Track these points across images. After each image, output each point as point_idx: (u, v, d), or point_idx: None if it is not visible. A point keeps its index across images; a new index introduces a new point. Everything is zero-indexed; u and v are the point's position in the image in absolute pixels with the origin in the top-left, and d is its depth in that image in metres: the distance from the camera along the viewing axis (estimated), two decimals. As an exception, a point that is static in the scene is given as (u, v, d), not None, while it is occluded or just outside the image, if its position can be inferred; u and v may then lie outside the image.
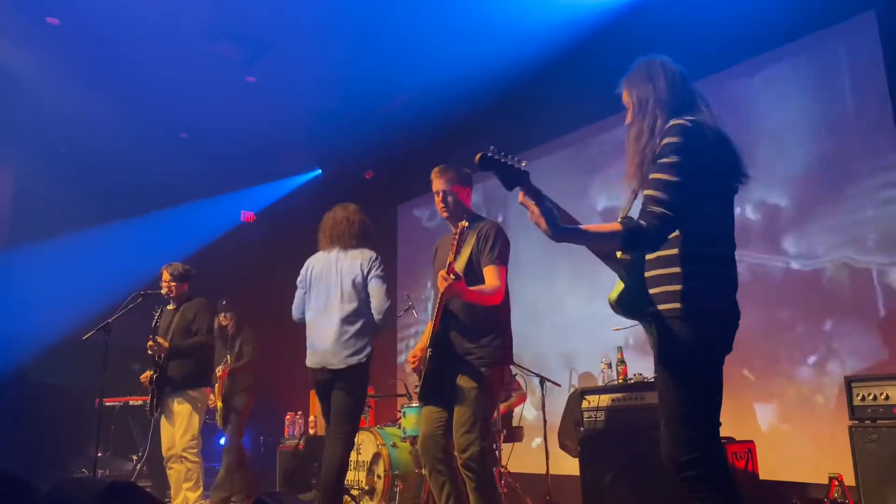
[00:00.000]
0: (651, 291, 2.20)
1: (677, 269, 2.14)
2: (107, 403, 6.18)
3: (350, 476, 5.23)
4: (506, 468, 5.03)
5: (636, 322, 2.28)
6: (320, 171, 8.48)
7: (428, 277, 3.20)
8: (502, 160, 2.04)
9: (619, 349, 4.65)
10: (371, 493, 5.12)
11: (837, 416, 3.97)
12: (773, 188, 4.81)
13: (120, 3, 5.27)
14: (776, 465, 4.43)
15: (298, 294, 4.09)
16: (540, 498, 5.04)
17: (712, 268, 2.16)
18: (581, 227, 2.10)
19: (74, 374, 6.64)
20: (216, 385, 5.79)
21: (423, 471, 3.45)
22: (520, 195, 2.06)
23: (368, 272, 3.85)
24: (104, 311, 5.20)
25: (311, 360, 3.89)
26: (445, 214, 3.42)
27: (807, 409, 4.48)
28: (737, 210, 2.30)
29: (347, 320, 3.80)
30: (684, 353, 2.11)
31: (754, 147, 4.85)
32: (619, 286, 2.25)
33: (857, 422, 3.51)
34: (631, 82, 2.35)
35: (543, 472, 5.01)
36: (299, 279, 4.09)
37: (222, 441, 6.89)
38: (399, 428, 5.22)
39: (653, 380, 4.16)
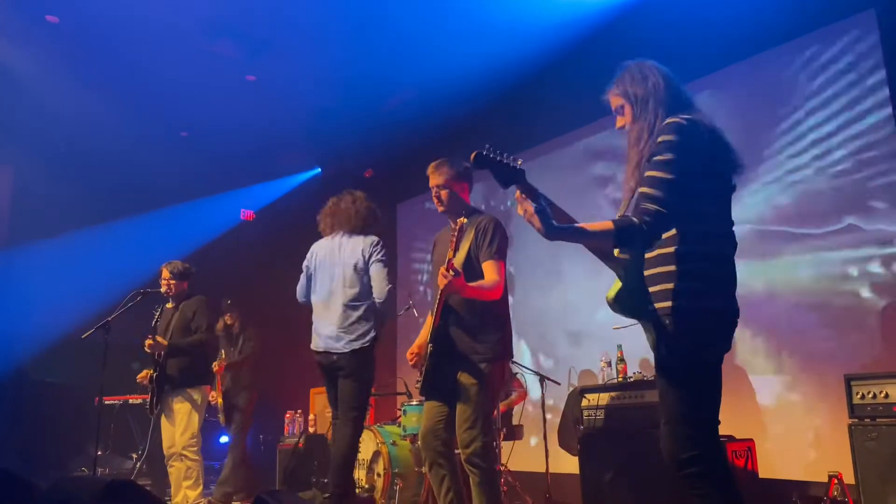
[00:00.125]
0: (650, 290, 2.20)
1: (674, 268, 2.14)
2: (106, 402, 6.20)
3: (350, 474, 5.23)
4: (506, 466, 5.04)
5: (635, 321, 2.28)
6: (320, 169, 8.48)
7: (427, 273, 3.20)
8: (497, 158, 2.04)
9: (619, 347, 4.65)
10: (371, 491, 5.12)
11: (837, 415, 3.97)
12: (772, 188, 4.81)
13: (120, 1, 5.26)
14: (776, 463, 4.44)
15: (302, 278, 4.14)
16: (540, 496, 5.04)
17: (710, 266, 2.16)
18: (574, 225, 2.10)
19: (74, 373, 6.64)
20: (215, 381, 5.82)
21: (424, 467, 3.46)
22: (516, 193, 2.06)
23: (370, 257, 3.89)
24: (104, 310, 5.21)
25: (315, 344, 3.96)
26: (442, 209, 3.42)
27: (806, 408, 4.48)
28: (740, 210, 2.30)
29: (350, 305, 3.87)
30: (683, 352, 2.11)
31: (754, 146, 4.85)
32: (617, 285, 2.25)
33: (856, 420, 3.51)
34: (626, 84, 2.34)
35: (543, 470, 5.01)
36: (304, 263, 4.13)
37: (223, 439, 6.91)
38: (399, 426, 5.23)
39: (652, 378, 4.18)
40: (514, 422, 5.37)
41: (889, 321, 4.18)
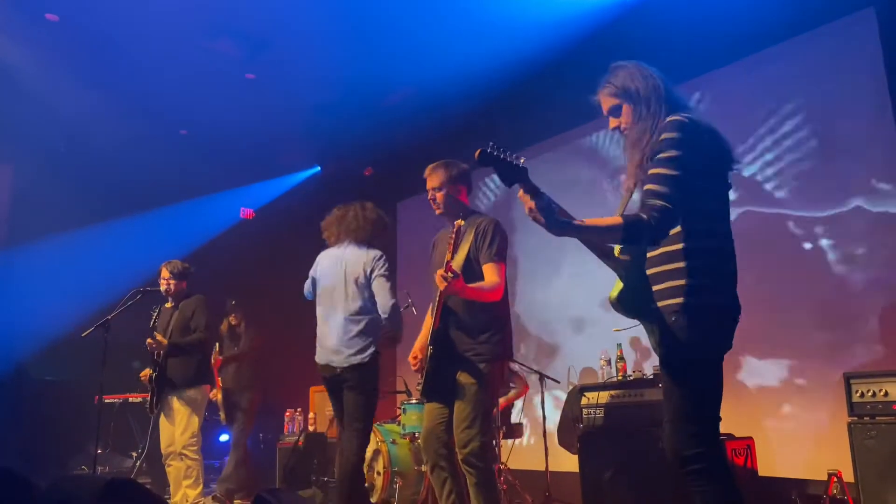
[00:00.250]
0: (654, 288, 2.20)
1: (682, 264, 2.14)
2: (106, 400, 6.20)
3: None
4: (505, 465, 5.04)
5: (636, 322, 2.28)
6: (319, 168, 8.48)
7: (427, 274, 3.21)
8: (501, 156, 2.03)
9: (619, 346, 4.65)
10: (370, 489, 5.13)
11: (836, 413, 3.97)
12: (771, 187, 4.81)
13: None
14: (775, 461, 4.44)
15: (308, 282, 4.12)
16: (539, 494, 5.05)
17: (715, 262, 2.17)
18: (580, 221, 2.10)
19: (74, 371, 6.64)
20: (215, 380, 5.84)
21: (424, 467, 3.46)
22: (519, 191, 2.05)
23: (372, 272, 3.84)
24: (103, 309, 5.21)
25: (318, 356, 3.93)
26: (439, 212, 3.42)
27: (806, 406, 4.49)
28: (737, 209, 2.30)
29: (351, 319, 3.82)
30: (689, 350, 2.12)
31: (753, 145, 4.85)
32: (619, 285, 2.25)
33: (855, 418, 3.52)
34: (625, 83, 2.33)
35: (543, 468, 5.01)
36: (310, 272, 4.11)
37: (222, 438, 6.92)
38: (399, 425, 5.23)
39: (651, 377, 4.18)
40: (516, 419, 5.37)
41: (889, 319, 4.19)
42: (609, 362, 4.72)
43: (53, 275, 6.73)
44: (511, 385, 5.45)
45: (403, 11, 5.33)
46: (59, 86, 6.15)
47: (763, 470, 4.09)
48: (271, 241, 7.86)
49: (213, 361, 5.77)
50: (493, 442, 4.67)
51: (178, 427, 4.85)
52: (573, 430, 4.54)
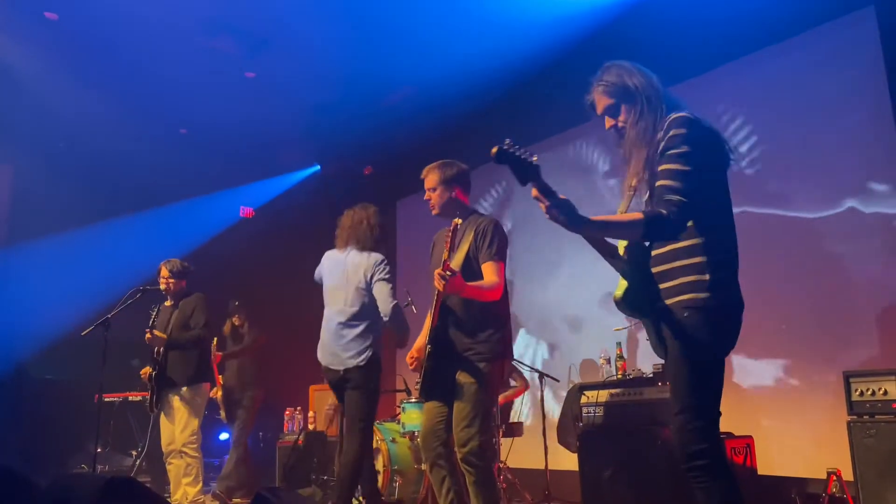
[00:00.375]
0: (663, 286, 2.19)
1: (700, 259, 2.14)
2: (106, 399, 6.20)
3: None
4: (505, 463, 5.05)
5: (636, 321, 2.28)
6: (319, 166, 8.48)
7: (427, 273, 3.21)
8: (517, 154, 1.99)
9: (619, 344, 4.66)
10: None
11: (836, 412, 3.97)
12: (770, 186, 4.81)
13: (119, -2, 5.26)
14: (775, 459, 4.44)
15: (316, 273, 4.17)
16: (539, 493, 5.05)
17: (728, 257, 2.19)
18: (599, 217, 2.09)
19: (74, 370, 6.64)
20: (215, 378, 5.84)
21: (424, 465, 3.47)
22: (533, 190, 2.03)
23: (372, 276, 3.89)
24: (103, 307, 5.20)
25: (319, 357, 4.00)
26: (435, 212, 3.43)
27: (805, 405, 4.49)
28: (735, 209, 2.30)
29: (348, 324, 3.89)
30: (708, 344, 2.12)
31: (752, 145, 4.85)
32: (624, 284, 2.25)
33: (855, 417, 3.52)
34: (623, 80, 2.32)
35: (542, 467, 5.02)
36: (318, 268, 4.16)
37: (222, 436, 6.93)
38: (398, 423, 5.24)
39: (651, 375, 4.18)
40: (515, 418, 5.37)
41: (888, 318, 4.19)
42: (609, 361, 4.72)
43: (53, 274, 6.74)
44: (512, 383, 5.45)
45: (403, 11, 5.33)
46: (59, 85, 6.15)
47: (762, 469, 4.09)
48: (271, 240, 7.86)
49: (212, 357, 5.78)
50: (493, 440, 4.67)
51: (178, 425, 4.85)
52: (573, 428, 4.54)
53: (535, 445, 5.15)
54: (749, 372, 4.80)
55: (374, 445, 5.19)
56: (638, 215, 2.08)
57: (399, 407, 5.33)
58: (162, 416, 4.97)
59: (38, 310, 6.52)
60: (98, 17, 5.47)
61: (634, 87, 2.30)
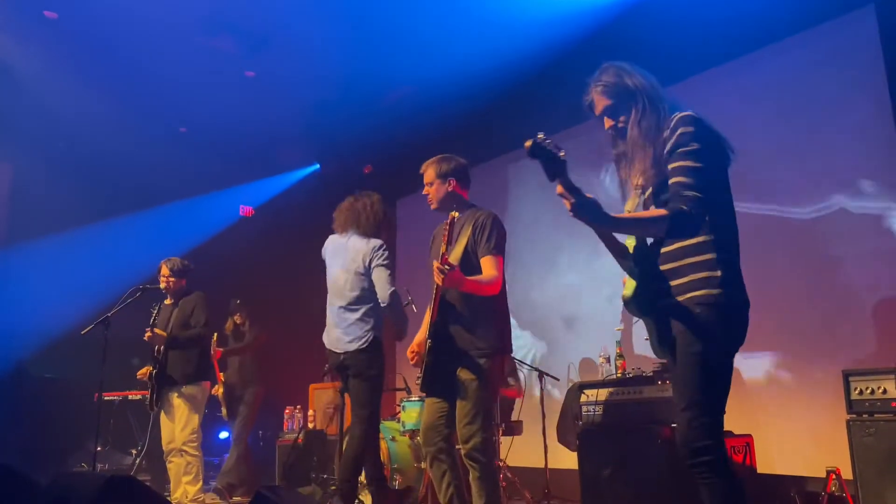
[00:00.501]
0: (676, 282, 2.19)
1: (711, 256, 2.15)
2: (106, 398, 6.20)
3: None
4: (504, 462, 5.04)
5: (637, 319, 2.28)
6: (319, 165, 8.48)
7: (426, 270, 3.22)
8: (550, 149, 1.97)
9: (618, 343, 4.66)
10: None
11: (835, 410, 3.98)
12: (770, 185, 4.81)
13: (118, -3, 5.26)
14: (774, 458, 4.45)
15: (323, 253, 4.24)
16: (538, 491, 5.05)
17: (733, 256, 2.20)
18: (621, 215, 2.11)
19: (74, 369, 6.64)
20: (216, 376, 5.86)
21: (424, 464, 3.47)
22: (558, 187, 2.02)
23: (371, 261, 3.92)
24: (103, 306, 5.21)
25: (325, 341, 4.05)
26: (433, 206, 3.43)
27: (804, 403, 4.49)
28: (744, 205, 2.31)
29: (349, 308, 3.94)
30: (720, 340, 2.13)
31: (751, 144, 4.85)
32: (632, 283, 2.25)
33: (854, 416, 3.52)
34: (623, 80, 2.32)
35: (542, 465, 5.02)
36: (322, 251, 4.22)
37: (222, 435, 6.94)
38: (398, 422, 5.23)
39: (651, 374, 4.18)
40: (514, 417, 5.37)
41: (887, 316, 4.19)
42: (608, 359, 4.72)
43: (53, 273, 6.75)
44: (510, 381, 5.45)
45: (403, 10, 5.34)
46: (58, 84, 6.15)
47: (762, 467, 4.09)
48: (271, 239, 7.87)
49: (212, 353, 5.79)
50: (494, 438, 4.68)
51: (178, 424, 4.86)
52: (572, 427, 4.54)
53: (535, 444, 5.15)
54: (748, 370, 4.80)
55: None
56: (662, 212, 2.10)
57: (399, 405, 5.33)
58: (162, 414, 4.97)
59: (38, 309, 6.53)
60: (98, 16, 5.47)
61: (634, 86, 2.30)
